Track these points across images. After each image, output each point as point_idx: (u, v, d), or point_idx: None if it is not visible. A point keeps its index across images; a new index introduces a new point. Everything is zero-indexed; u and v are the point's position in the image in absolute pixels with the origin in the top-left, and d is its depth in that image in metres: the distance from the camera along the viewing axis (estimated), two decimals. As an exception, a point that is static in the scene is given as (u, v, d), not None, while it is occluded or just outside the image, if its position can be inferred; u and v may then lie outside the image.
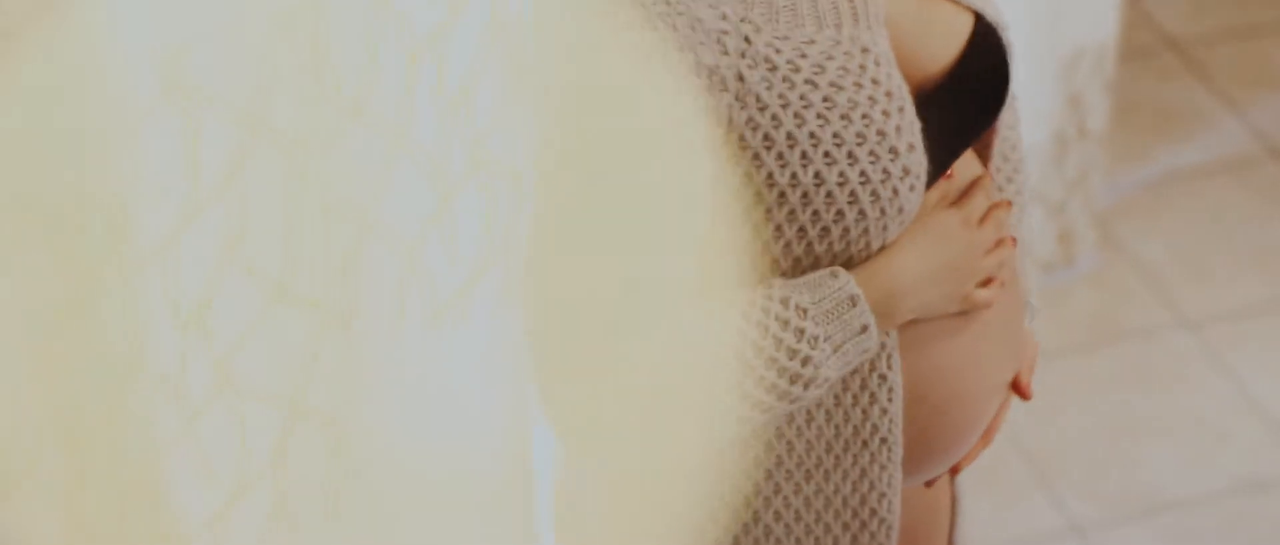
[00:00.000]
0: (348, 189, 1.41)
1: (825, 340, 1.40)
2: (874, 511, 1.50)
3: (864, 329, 1.42)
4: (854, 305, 1.41)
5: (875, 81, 1.41)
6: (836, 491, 1.49)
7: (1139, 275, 3.21)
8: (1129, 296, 3.17)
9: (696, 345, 1.38)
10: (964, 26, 1.50)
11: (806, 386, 1.40)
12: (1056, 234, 3.12)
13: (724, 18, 1.38)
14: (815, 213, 1.39)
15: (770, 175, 1.38)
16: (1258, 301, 3.15)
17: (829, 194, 1.38)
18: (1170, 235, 3.30)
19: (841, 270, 1.42)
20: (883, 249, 1.44)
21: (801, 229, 1.39)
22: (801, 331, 1.39)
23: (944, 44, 1.48)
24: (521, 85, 1.50)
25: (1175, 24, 3.79)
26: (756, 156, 1.38)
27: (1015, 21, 1.65)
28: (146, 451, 1.23)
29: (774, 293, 1.40)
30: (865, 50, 1.42)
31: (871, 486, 1.49)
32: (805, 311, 1.40)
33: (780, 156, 1.38)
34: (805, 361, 1.39)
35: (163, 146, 1.23)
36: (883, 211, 1.40)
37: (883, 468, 1.48)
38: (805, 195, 1.38)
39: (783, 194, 1.38)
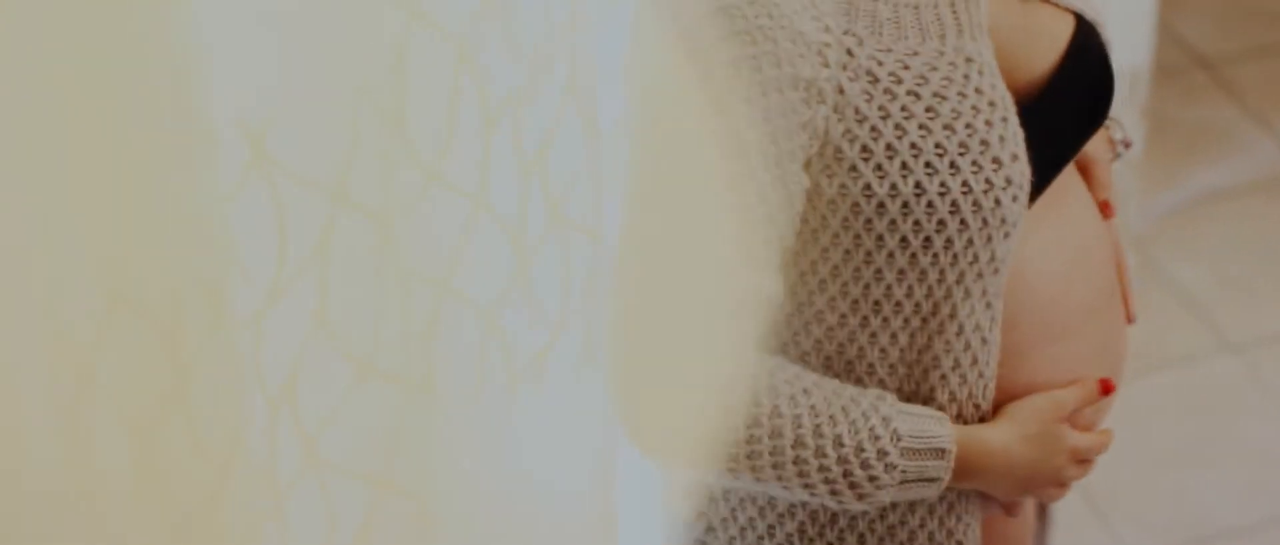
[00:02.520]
0: (428, 255, 1.39)
1: (898, 471, 1.42)
2: (960, 543, 1.50)
3: (935, 480, 1.44)
4: (940, 457, 1.44)
5: (979, 91, 1.41)
6: (922, 524, 1.49)
7: (1179, 300, 3.19)
8: (1170, 322, 3.14)
9: (791, 403, 1.38)
10: (1065, 29, 1.49)
11: (859, 498, 1.43)
12: (1096, 260, 3.10)
13: (827, 30, 1.37)
14: (917, 223, 1.38)
15: (868, 186, 1.38)
16: (1301, 323, 3.13)
17: (929, 204, 1.38)
18: (1209, 258, 3.28)
19: (946, 420, 1.45)
20: (993, 424, 1.47)
21: (904, 239, 1.39)
22: (884, 454, 1.41)
23: (1046, 49, 1.48)
24: (599, 144, 1.48)
25: (1204, 43, 3.77)
26: (853, 168, 1.38)
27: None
28: (243, 532, 1.20)
29: (882, 407, 1.42)
30: (969, 60, 1.41)
31: (958, 519, 1.49)
32: (898, 439, 1.41)
33: (879, 167, 1.37)
34: (872, 479, 1.42)
35: (251, 223, 1.21)
36: (985, 222, 1.39)
37: (967, 498, 1.49)
38: (906, 205, 1.38)
39: (882, 204, 1.38)
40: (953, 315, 1.43)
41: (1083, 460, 1.51)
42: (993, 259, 1.42)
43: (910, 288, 1.41)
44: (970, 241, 1.40)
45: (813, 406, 1.40)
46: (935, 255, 1.40)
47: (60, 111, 1.05)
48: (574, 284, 1.49)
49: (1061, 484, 1.51)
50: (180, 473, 1.17)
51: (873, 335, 1.44)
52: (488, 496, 1.48)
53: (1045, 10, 1.49)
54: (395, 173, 1.30)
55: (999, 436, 1.47)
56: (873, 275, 1.41)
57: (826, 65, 1.37)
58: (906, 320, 1.43)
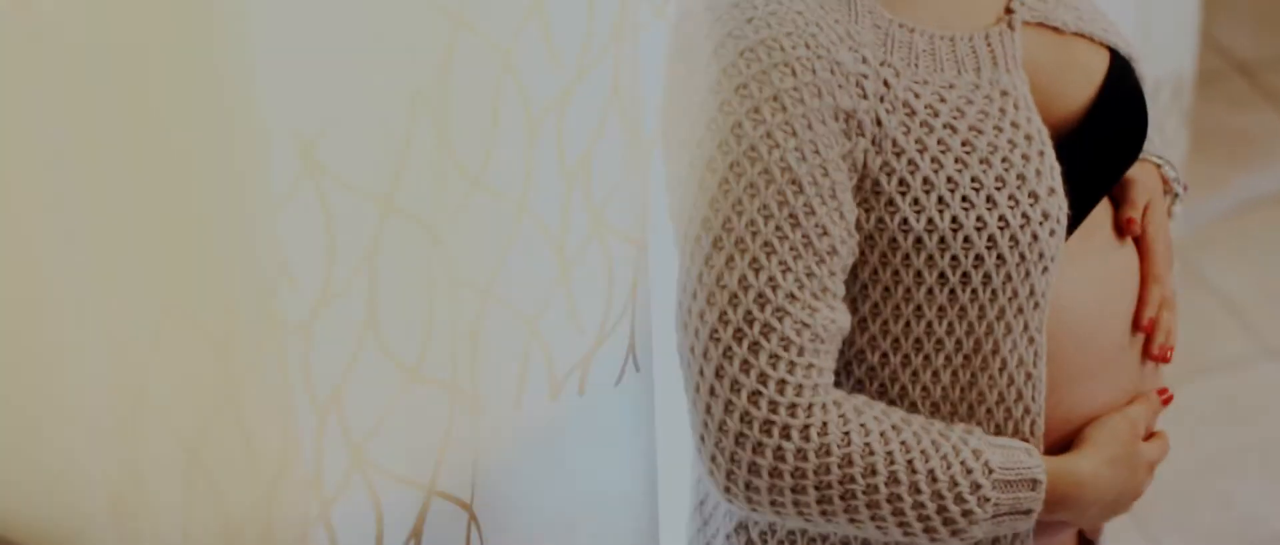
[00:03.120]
0: (472, 262, 1.40)
1: (992, 504, 1.40)
2: None
3: (1028, 512, 1.43)
4: (1033, 488, 1.41)
5: (1015, 125, 1.40)
6: None
7: (1222, 306, 3.18)
8: (1213, 328, 3.13)
9: (882, 440, 1.37)
10: (1100, 64, 1.49)
11: (954, 533, 1.40)
12: (1137, 267, 3.09)
13: (865, 62, 1.37)
14: (954, 258, 1.38)
15: (905, 221, 1.37)
16: (1344, 329, 3.12)
17: (967, 239, 1.37)
18: (1251, 264, 3.27)
19: (1036, 451, 1.43)
20: (1077, 452, 1.46)
21: (942, 275, 1.38)
22: (977, 487, 1.39)
23: (1082, 83, 1.47)
24: (641, 151, 1.48)
25: (1242, 49, 3.76)
26: (891, 202, 1.37)
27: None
28: (292, 538, 1.22)
29: (971, 440, 1.41)
30: (1005, 93, 1.41)
31: None
32: (991, 472, 1.40)
33: (916, 202, 1.37)
34: (966, 513, 1.39)
35: (301, 231, 1.22)
36: (1023, 257, 1.39)
37: (1021, 537, 1.48)
38: (943, 241, 1.37)
39: (919, 240, 1.37)
40: (995, 351, 1.41)
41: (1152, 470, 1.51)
42: (1032, 293, 1.41)
43: (950, 325, 1.40)
44: (1009, 277, 1.39)
45: (903, 442, 1.38)
46: (974, 291, 1.39)
47: (112, 122, 1.07)
48: (616, 291, 1.49)
49: (1136, 498, 1.51)
50: (231, 479, 1.18)
51: (914, 374, 1.42)
52: (532, 502, 1.49)
53: (1080, 44, 1.49)
54: (442, 180, 1.31)
55: (1087, 465, 1.45)
56: (912, 313, 1.40)
57: (865, 97, 1.37)
58: (948, 358, 1.42)
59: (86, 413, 1.11)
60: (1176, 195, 1.58)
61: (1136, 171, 1.53)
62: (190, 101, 1.09)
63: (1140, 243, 1.51)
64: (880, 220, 1.38)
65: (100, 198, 1.07)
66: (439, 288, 1.33)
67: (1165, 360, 1.50)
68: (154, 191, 1.10)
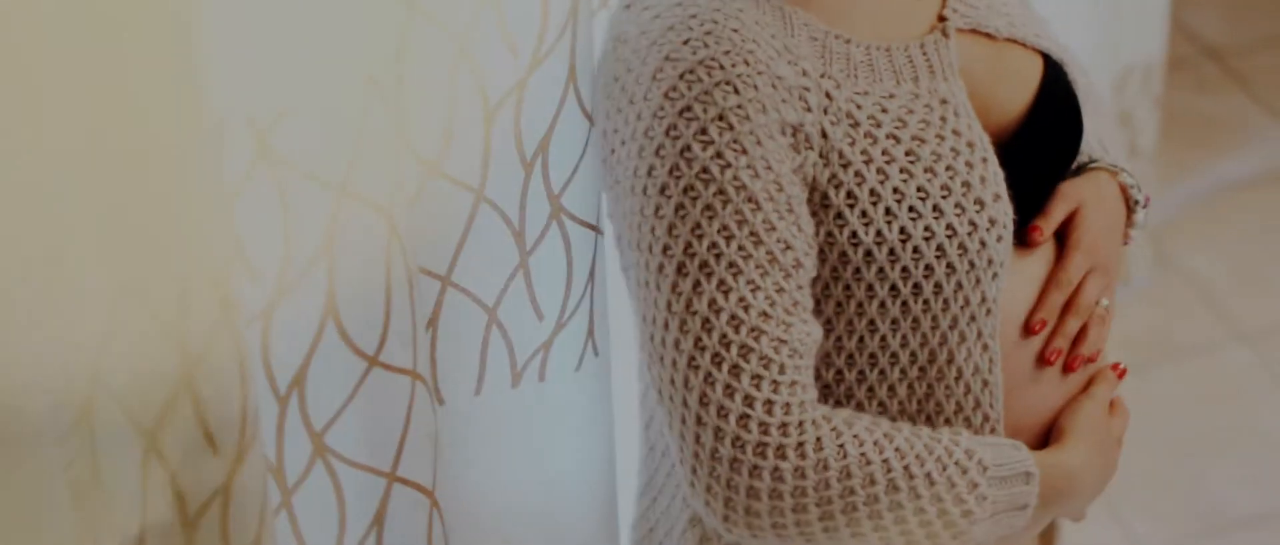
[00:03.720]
0: (430, 249, 1.40)
1: (990, 502, 1.39)
2: None
3: (1024, 507, 1.42)
4: (1027, 482, 1.41)
5: (956, 132, 1.39)
6: None
7: (1194, 291, 3.20)
8: (1185, 313, 3.15)
9: (876, 448, 1.36)
10: (1035, 70, 1.48)
11: (954, 536, 1.39)
12: (1108, 253, 3.10)
13: (805, 74, 1.35)
14: (904, 269, 1.37)
15: (854, 234, 1.36)
16: (1314, 313, 3.13)
17: (916, 249, 1.36)
18: (1223, 249, 3.28)
19: (1023, 446, 1.43)
20: (1061, 446, 1.46)
21: (893, 287, 1.37)
22: (975, 485, 1.38)
23: (1018, 90, 1.47)
24: (597, 137, 1.49)
25: (1213, 34, 3.77)
26: (839, 215, 1.36)
27: (1070, 43, 1.62)
28: (253, 527, 1.22)
29: (961, 441, 1.40)
30: (944, 102, 1.40)
31: None
32: (985, 469, 1.39)
33: (864, 214, 1.36)
34: (965, 514, 1.38)
35: (257, 218, 1.22)
36: (972, 265, 1.38)
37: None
38: (892, 252, 1.36)
39: (868, 252, 1.36)
40: (950, 361, 1.41)
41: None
42: (984, 300, 1.40)
43: (904, 337, 1.39)
44: (960, 285, 1.38)
45: (897, 449, 1.37)
46: (926, 302, 1.38)
47: (67, 106, 1.07)
48: (575, 277, 1.50)
49: (1112, 475, 1.51)
50: (191, 468, 1.18)
51: (870, 389, 1.41)
52: (494, 488, 1.49)
53: (1013, 50, 1.48)
54: (398, 167, 1.32)
55: (1075, 457, 1.45)
56: (866, 327, 1.39)
57: (809, 109, 1.35)
58: (903, 371, 1.41)
59: (41, 402, 1.11)
60: (1138, 203, 1.57)
61: (1070, 181, 1.52)
62: (144, 88, 1.09)
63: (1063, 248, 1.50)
64: (829, 234, 1.37)
65: (54, 185, 1.07)
66: (398, 275, 1.33)
67: (1071, 368, 1.49)
68: (108, 180, 1.10)
